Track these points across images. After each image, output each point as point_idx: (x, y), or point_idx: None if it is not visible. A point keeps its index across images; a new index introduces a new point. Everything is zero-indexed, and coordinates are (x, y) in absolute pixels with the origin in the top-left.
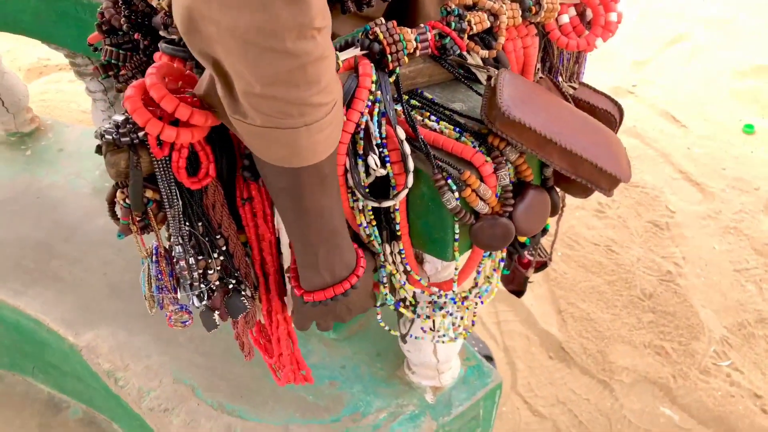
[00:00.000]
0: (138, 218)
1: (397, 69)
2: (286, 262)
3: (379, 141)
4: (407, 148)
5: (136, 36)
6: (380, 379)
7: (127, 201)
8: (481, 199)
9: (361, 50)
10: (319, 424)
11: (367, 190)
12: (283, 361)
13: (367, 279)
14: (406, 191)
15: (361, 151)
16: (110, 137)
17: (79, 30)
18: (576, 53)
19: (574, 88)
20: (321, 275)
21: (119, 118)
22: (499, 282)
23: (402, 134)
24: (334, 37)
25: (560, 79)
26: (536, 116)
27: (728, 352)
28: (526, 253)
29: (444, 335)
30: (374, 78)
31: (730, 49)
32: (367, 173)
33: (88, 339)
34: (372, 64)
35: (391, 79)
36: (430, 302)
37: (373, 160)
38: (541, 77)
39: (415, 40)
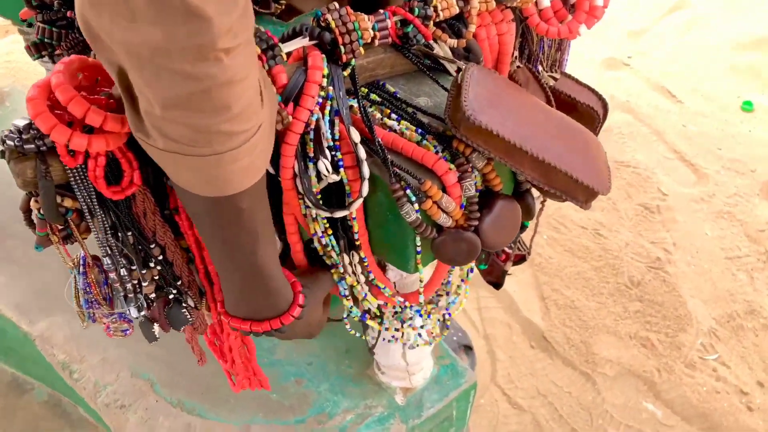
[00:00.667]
0: (59, 228)
1: (352, 61)
2: None
3: (331, 143)
4: (362, 153)
5: (69, 14)
6: (348, 377)
7: (42, 212)
8: (444, 211)
9: (309, 40)
10: (283, 424)
11: (319, 197)
12: (237, 369)
13: (312, 311)
14: (360, 201)
15: (311, 154)
16: (12, 144)
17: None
18: (558, 40)
19: (555, 79)
20: (240, 307)
21: (21, 122)
22: (470, 282)
23: (356, 136)
24: (294, 14)
25: (540, 68)
26: (505, 121)
27: (716, 345)
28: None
29: (413, 344)
30: (325, 71)
31: (731, 19)
32: (319, 178)
33: (42, 328)
34: (323, 56)
35: (346, 73)
36: (395, 313)
37: (323, 164)
38: (518, 67)
39: (373, 28)
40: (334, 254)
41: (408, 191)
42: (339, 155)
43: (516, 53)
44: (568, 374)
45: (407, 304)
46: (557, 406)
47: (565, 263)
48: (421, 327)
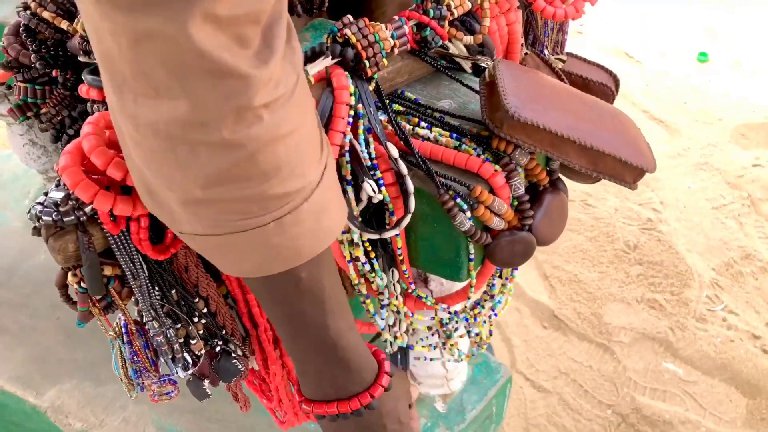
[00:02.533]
0: (98, 298)
1: (376, 74)
2: None
3: (369, 162)
4: (404, 168)
5: (54, 73)
6: None
7: (83, 285)
8: (497, 215)
9: (332, 59)
10: None
11: (360, 220)
12: (284, 407)
13: (398, 388)
14: (409, 217)
15: (348, 177)
16: (50, 218)
17: None
18: (560, 21)
19: (563, 61)
20: (321, 388)
21: (57, 195)
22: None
23: (395, 152)
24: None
25: (546, 52)
26: (547, 112)
27: (720, 295)
28: None
29: (458, 358)
30: (352, 89)
31: None
32: (357, 200)
33: (52, 397)
34: (346, 74)
35: (371, 87)
36: (442, 326)
37: (369, 185)
38: (526, 53)
39: (392, 36)
40: (378, 280)
41: (458, 200)
42: (378, 174)
43: (522, 40)
44: (585, 348)
45: (451, 310)
46: (581, 382)
47: (560, 238)
48: (468, 333)
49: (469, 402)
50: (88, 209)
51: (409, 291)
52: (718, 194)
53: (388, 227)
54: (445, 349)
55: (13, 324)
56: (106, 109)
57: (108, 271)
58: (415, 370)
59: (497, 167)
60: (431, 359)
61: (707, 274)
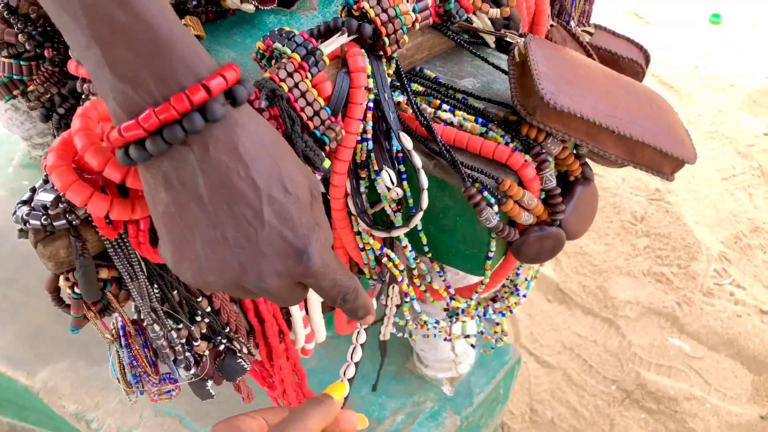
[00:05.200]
0: (94, 302)
1: (395, 53)
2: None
3: (394, 151)
4: (418, 162)
5: (46, 53)
6: (390, 375)
7: (77, 291)
8: (526, 209)
9: (348, 36)
10: None
11: (371, 216)
12: (288, 397)
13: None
14: (420, 215)
15: (375, 166)
16: (38, 222)
17: None
18: None
19: (590, 34)
20: (126, 83)
21: (46, 197)
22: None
23: (408, 142)
24: None
25: (572, 23)
26: (583, 98)
27: (728, 269)
28: None
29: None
30: (369, 70)
31: None
32: (371, 198)
33: (44, 378)
34: (363, 53)
35: (391, 69)
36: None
37: (387, 175)
38: (552, 25)
39: (414, 10)
40: (398, 274)
41: (485, 193)
42: (402, 167)
43: (548, 10)
44: (590, 323)
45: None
46: (585, 357)
47: None
48: (479, 319)
49: (477, 385)
50: (81, 212)
51: (428, 282)
52: (729, 164)
53: (397, 224)
54: (450, 339)
55: (3, 300)
56: None
57: (104, 274)
58: (423, 354)
59: (527, 157)
60: (446, 339)
61: (715, 247)
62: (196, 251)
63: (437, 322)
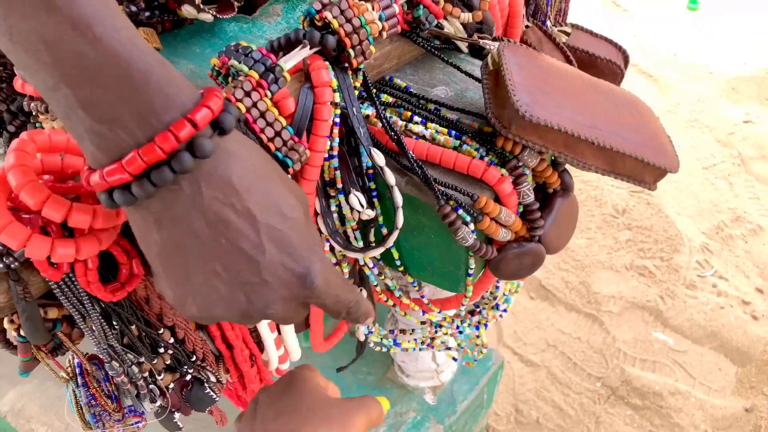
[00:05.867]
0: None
1: (362, 65)
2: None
3: (364, 168)
4: (391, 179)
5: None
6: (370, 385)
7: (22, 334)
8: (503, 226)
9: (311, 48)
10: None
11: (344, 236)
12: None
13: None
14: (395, 235)
15: (339, 184)
16: None
17: None
18: None
19: (567, 34)
20: (103, 126)
21: None
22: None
23: (381, 159)
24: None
25: (548, 23)
26: (561, 109)
27: (710, 260)
28: None
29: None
30: (334, 84)
31: None
32: (341, 218)
33: (11, 400)
34: (327, 66)
35: (358, 81)
36: (431, 326)
37: (356, 199)
38: (527, 26)
39: (380, 18)
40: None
41: (460, 212)
42: (373, 184)
43: (523, 11)
44: (573, 319)
45: (446, 316)
46: (569, 355)
47: None
48: (477, 337)
49: (460, 392)
50: (20, 254)
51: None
52: (709, 153)
53: (372, 243)
54: (433, 348)
55: None
56: (46, 109)
57: (53, 314)
58: (404, 365)
59: (504, 171)
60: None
61: (697, 238)
62: (197, 286)
63: (414, 330)
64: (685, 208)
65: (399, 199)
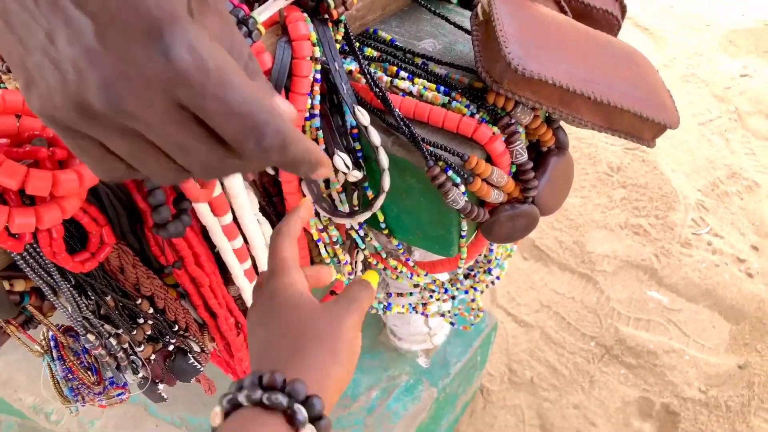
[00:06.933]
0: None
1: (343, 16)
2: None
3: (348, 128)
4: (377, 139)
5: None
6: (363, 350)
7: None
8: (495, 187)
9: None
10: None
11: (330, 201)
12: None
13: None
14: (382, 198)
15: (322, 145)
16: None
17: None
18: None
19: None
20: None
21: None
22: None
23: (365, 119)
24: None
25: None
26: (555, 62)
27: (705, 217)
28: None
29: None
30: (314, 37)
31: None
32: (326, 183)
33: None
34: (306, 17)
35: (338, 35)
36: (424, 290)
37: (341, 160)
38: None
39: None
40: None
41: (449, 173)
42: (358, 145)
43: None
44: (567, 279)
45: (440, 283)
46: (563, 315)
47: None
48: (473, 301)
49: (453, 355)
50: None
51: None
52: (705, 108)
53: (357, 208)
54: (426, 315)
55: None
56: (8, 69)
57: (19, 286)
58: (396, 329)
59: (495, 129)
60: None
61: (693, 195)
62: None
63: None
64: (680, 165)
65: (385, 160)
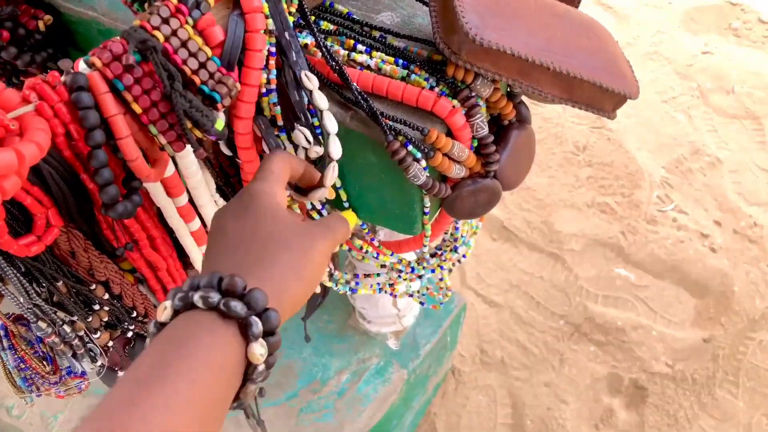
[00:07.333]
0: None
1: None
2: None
3: (305, 103)
4: (323, 103)
5: None
6: (331, 334)
7: None
8: (456, 162)
9: None
10: (274, 405)
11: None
12: None
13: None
14: (334, 168)
15: (280, 122)
16: None
17: None
18: None
19: None
20: None
21: None
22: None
23: (313, 82)
24: None
25: None
26: (514, 32)
27: (670, 194)
28: None
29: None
30: (266, 9)
31: None
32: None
33: None
34: None
35: (292, 7)
36: (399, 271)
37: (302, 135)
38: None
39: None
40: None
41: (409, 148)
42: (317, 121)
43: None
44: (535, 259)
45: (402, 259)
46: (533, 294)
47: None
48: (441, 280)
49: (423, 336)
50: None
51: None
52: (668, 86)
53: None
54: (395, 295)
55: None
56: None
57: None
58: (365, 312)
59: (455, 103)
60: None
61: (657, 173)
62: None
63: (379, 275)
64: (645, 143)
65: (332, 125)
